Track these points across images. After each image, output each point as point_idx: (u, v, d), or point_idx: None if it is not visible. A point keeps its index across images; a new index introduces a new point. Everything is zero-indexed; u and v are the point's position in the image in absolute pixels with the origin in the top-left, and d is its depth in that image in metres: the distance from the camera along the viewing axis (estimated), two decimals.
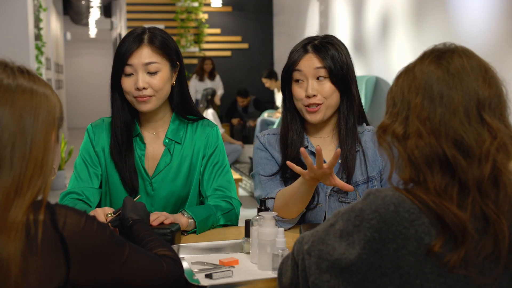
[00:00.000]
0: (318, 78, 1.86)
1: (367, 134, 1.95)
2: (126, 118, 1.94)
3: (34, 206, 1.11)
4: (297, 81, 1.89)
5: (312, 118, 1.89)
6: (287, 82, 1.93)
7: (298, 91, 1.89)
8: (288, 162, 1.70)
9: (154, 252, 1.32)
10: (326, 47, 1.87)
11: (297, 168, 1.68)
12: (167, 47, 1.91)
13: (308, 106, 1.87)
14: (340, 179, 1.77)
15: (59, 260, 1.10)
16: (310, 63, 1.86)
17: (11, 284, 1.06)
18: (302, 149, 1.65)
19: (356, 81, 1.92)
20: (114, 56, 1.91)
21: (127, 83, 1.88)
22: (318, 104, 1.86)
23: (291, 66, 1.90)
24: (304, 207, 1.81)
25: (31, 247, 1.08)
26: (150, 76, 1.87)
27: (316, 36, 1.93)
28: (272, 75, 8.31)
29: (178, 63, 1.95)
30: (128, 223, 1.56)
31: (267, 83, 8.34)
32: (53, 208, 1.13)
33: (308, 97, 1.86)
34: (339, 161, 1.90)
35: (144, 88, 1.86)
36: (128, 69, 1.87)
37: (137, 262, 1.22)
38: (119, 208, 1.69)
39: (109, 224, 1.65)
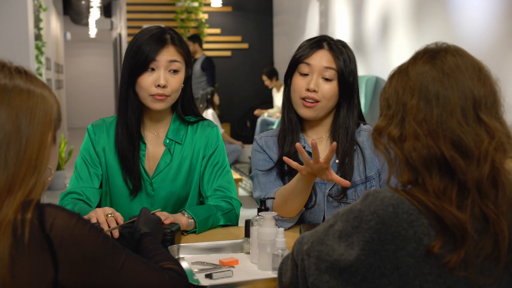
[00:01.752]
0: (323, 78, 1.87)
1: (364, 134, 1.95)
2: (138, 115, 1.95)
3: (24, 205, 1.09)
4: (301, 74, 1.90)
5: (305, 112, 1.89)
6: (290, 74, 1.93)
7: (299, 83, 1.89)
8: (285, 158, 1.70)
9: (160, 265, 1.28)
10: (340, 49, 1.88)
11: (294, 163, 1.68)
12: (186, 49, 1.95)
13: (304, 99, 1.88)
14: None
15: (46, 262, 1.08)
16: (322, 60, 1.88)
17: None
18: (297, 144, 1.64)
19: (358, 89, 1.93)
20: (133, 53, 1.89)
21: (147, 80, 1.88)
22: (315, 101, 1.87)
23: (300, 57, 1.90)
24: (303, 204, 1.81)
25: (19, 247, 1.06)
26: (170, 75, 1.89)
27: (331, 37, 1.94)
28: (273, 74, 8.18)
29: (190, 67, 1.98)
30: (138, 235, 1.50)
31: (266, 81, 8.25)
32: (42, 208, 1.10)
33: (308, 90, 1.86)
34: (336, 161, 1.90)
35: (164, 86, 1.87)
36: (151, 64, 1.88)
37: (135, 270, 1.18)
38: (135, 215, 1.65)
39: (119, 228, 1.61)
